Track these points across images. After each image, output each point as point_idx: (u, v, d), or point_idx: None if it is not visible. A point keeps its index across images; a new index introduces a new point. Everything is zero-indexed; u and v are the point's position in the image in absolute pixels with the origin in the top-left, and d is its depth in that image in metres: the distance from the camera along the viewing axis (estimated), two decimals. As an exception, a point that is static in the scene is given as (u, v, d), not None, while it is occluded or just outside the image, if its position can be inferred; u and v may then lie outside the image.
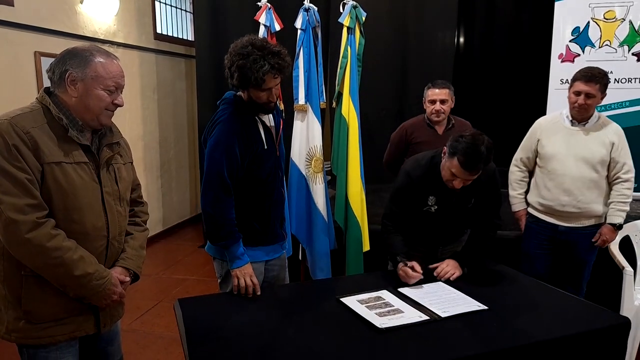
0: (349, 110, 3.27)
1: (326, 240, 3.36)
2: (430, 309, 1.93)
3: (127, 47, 5.10)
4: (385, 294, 2.08)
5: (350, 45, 3.24)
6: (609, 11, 3.95)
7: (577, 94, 2.70)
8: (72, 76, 1.58)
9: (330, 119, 4.27)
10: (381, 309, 1.92)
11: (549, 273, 2.92)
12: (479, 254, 2.43)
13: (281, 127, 2.28)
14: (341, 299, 2.02)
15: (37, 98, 1.63)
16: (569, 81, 2.80)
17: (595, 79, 2.66)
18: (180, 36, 6.28)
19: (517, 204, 3.03)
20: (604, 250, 2.95)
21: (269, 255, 2.29)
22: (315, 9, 3.28)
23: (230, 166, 2.04)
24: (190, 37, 6.38)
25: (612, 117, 2.90)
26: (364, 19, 3.26)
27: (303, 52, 3.24)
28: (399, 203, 2.42)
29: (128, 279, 1.78)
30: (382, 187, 2.61)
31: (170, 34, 6.05)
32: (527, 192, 3.05)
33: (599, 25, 3.98)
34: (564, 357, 1.79)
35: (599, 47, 4.00)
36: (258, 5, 3.29)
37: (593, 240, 2.81)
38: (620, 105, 3.96)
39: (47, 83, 1.66)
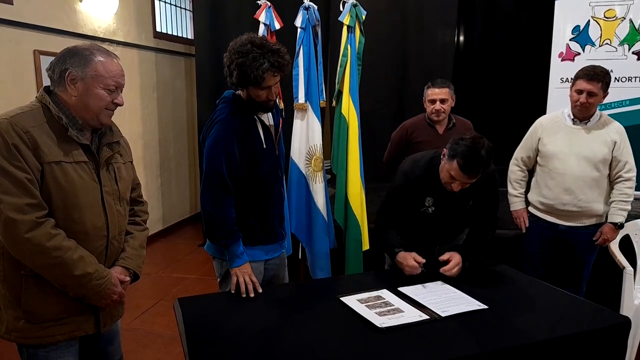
0: (349, 109, 3.27)
1: (326, 240, 3.36)
2: (430, 308, 1.93)
3: (126, 46, 5.09)
4: (385, 293, 2.08)
5: (350, 43, 3.23)
6: (609, 10, 3.94)
7: (579, 92, 2.69)
8: (72, 75, 1.57)
9: (330, 118, 4.27)
10: (381, 309, 1.92)
11: (549, 272, 2.92)
12: (477, 252, 2.42)
13: (280, 126, 2.28)
14: (341, 298, 2.02)
15: (36, 97, 1.62)
16: (569, 80, 2.80)
17: (597, 77, 2.65)
18: (179, 35, 6.27)
19: (517, 203, 3.02)
20: (603, 250, 2.95)
21: (268, 255, 2.29)
22: (315, 7, 3.27)
23: (229, 165, 2.03)
24: (190, 36, 6.37)
25: (612, 116, 2.89)
26: (364, 17, 3.25)
27: (303, 50, 3.23)
28: (394, 202, 2.42)
29: (128, 278, 1.78)
30: (382, 186, 2.61)
31: (169, 32, 6.04)
32: (526, 191, 3.04)
33: (599, 24, 3.98)
34: (565, 357, 1.78)
35: (599, 46, 4.00)
36: (258, 3, 3.28)
37: (594, 239, 2.81)
38: (621, 104, 3.96)
39: (46, 82, 1.66)
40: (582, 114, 2.76)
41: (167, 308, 3.86)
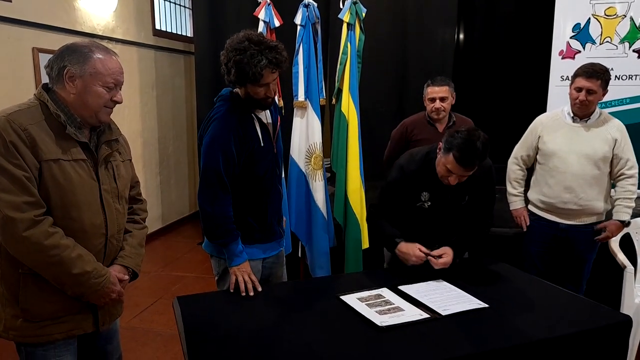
0: (349, 107, 3.26)
1: (325, 238, 3.35)
2: (431, 307, 1.92)
3: (125, 44, 5.07)
4: (385, 292, 2.07)
5: (350, 41, 3.22)
6: (609, 7, 3.93)
7: (579, 90, 2.69)
8: (71, 72, 1.56)
9: (329, 116, 4.26)
10: (381, 307, 1.91)
11: (549, 271, 2.91)
12: (468, 248, 2.43)
13: (278, 123, 2.27)
14: (341, 297, 2.01)
15: (34, 94, 1.61)
16: (570, 78, 2.78)
17: (596, 74, 2.65)
18: (179, 32, 6.26)
19: (517, 202, 3.01)
20: (603, 248, 2.95)
21: (266, 253, 2.28)
22: (315, 5, 3.26)
23: (226, 163, 2.02)
24: (190, 34, 6.36)
25: (613, 114, 2.89)
26: (364, 15, 3.24)
27: (303, 48, 3.22)
28: (389, 196, 2.42)
29: (127, 277, 1.77)
30: (381, 185, 2.61)
31: (169, 30, 6.02)
32: (525, 190, 3.03)
33: (599, 22, 3.97)
34: (566, 355, 1.78)
35: (600, 44, 3.99)
36: (257, 1, 3.27)
37: (597, 229, 2.79)
38: (621, 102, 3.95)
39: (45, 79, 1.65)
40: (582, 112, 2.75)
41: (166, 306, 3.85)
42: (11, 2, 3.72)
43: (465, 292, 2.08)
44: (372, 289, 2.09)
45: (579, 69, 2.74)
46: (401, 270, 2.28)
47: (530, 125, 2.97)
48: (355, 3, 3.19)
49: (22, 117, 1.52)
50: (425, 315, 1.85)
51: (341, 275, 3.17)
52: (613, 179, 2.80)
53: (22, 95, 1.62)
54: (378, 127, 4.52)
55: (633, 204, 2.77)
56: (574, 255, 2.87)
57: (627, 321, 1.87)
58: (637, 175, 2.75)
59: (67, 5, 4.30)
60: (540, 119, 2.95)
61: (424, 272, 2.25)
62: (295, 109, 3.32)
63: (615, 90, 3.72)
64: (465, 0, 5.14)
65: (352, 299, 1.99)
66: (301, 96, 3.26)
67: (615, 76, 3.82)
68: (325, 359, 1.60)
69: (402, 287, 2.12)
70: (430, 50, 4.89)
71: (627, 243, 3.04)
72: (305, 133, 3.30)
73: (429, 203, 2.36)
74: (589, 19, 3.98)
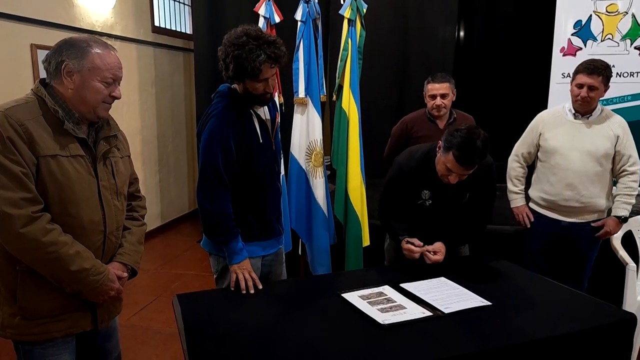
0: (350, 104, 3.24)
1: (326, 235, 3.33)
2: (433, 304, 1.90)
3: (124, 40, 5.05)
4: (387, 290, 2.05)
5: (350, 37, 3.20)
6: (611, 4, 3.91)
7: (580, 86, 2.67)
8: (69, 67, 1.54)
9: (330, 113, 4.24)
10: (383, 305, 1.89)
11: (550, 268, 2.89)
12: (462, 242, 2.47)
13: (277, 120, 2.25)
14: (342, 295, 1.99)
15: (32, 89, 1.59)
16: (571, 75, 2.77)
17: (598, 71, 2.63)
18: (178, 29, 6.23)
19: (517, 200, 2.99)
20: (604, 246, 2.93)
21: (265, 251, 2.26)
22: (316, 0, 3.23)
23: (225, 160, 2.00)
24: (189, 31, 6.33)
25: (614, 112, 2.86)
26: (364, 10, 3.22)
27: (303, 44, 3.20)
28: (390, 194, 2.43)
29: (126, 274, 1.75)
30: (382, 182, 2.60)
31: (168, 27, 5.99)
32: (526, 187, 3.02)
33: (601, 19, 3.95)
34: (570, 354, 1.76)
35: (601, 41, 3.96)
36: (257, -3, 3.25)
37: (595, 226, 2.78)
38: (622, 99, 3.93)
39: (43, 76, 1.63)
40: (584, 109, 2.73)
41: (165, 304, 3.84)
42: (9, -2, 3.70)
43: (467, 289, 2.06)
44: (373, 287, 2.08)
45: (580, 65, 2.72)
46: (403, 267, 2.27)
47: (531, 123, 2.95)
48: (356, -1, 3.17)
49: (20, 112, 1.50)
50: (428, 313, 1.83)
51: (342, 272, 3.15)
52: (615, 176, 2.79)
53: (20, 93, 1.60)
54: (379, 124, 4.51)
55: (633, 201, 2.75)
56: (575, 253, 2.86)
57: (632, 319, 1.85)
58: (639, 171, 2.73)
59: (65, 2, 4.27)
60: (541, 115, 2.93)
61: (426, 270, 2.23)
62: (295, 106, 3.29)
63: (616, 88, 3.71)
64: (466, -4, 5.13)
65: (353, 297, 1.97)
66: (301, 93, 3.24)
67: (617, 73, 3.79)
68: (327, 357, 1.58)
69: (403, 285, 2.11)
70: (430, 46, 4.88)
71: (629, 240, 3.03)
72: (306, 130, 3.28)
73: (430, 201, 2.36)
74: (591, 15, 3.96)
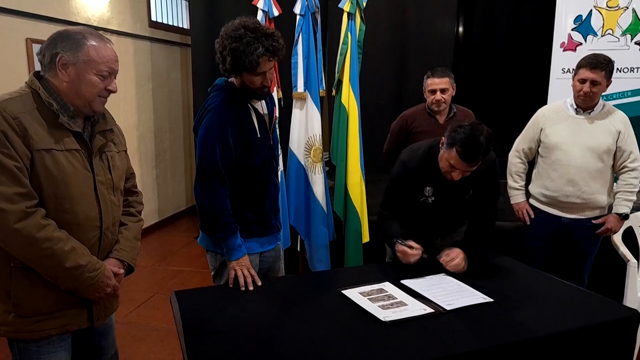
0: (349, 99, 3.21)
1: (325, 232, 3.31)
2: (435, 301, 1.88)
3: (121, 35, 5.01)
4: (387, 286, 2.03)
5: (350, 31, 3.17)
6: (611, -1, 3.89)
7: (582, 81, 2.64)
8: (64, 60, 1.51)
9: (329, 108, 4.21)
10: (384, 302, 1.87)
11: (550, 265, 2.87)
12: (479, 246, 2.37)
13: (275, 114, 2.21)
14: (343, 291, 1.97)
15: (26, 82, 1.56)
16: (571, 70, 2.75)
17: (600, 65, 2.61)
18: (175, 24, 6.18)
19: (518, 196, 2.96)
20: (605, 242, 2.91)
21: (263, 247, 2.23)
22: (315, -6, 3.20)
23: (223, 154, 1.97)
24: (186, 25, 6.29)
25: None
26: (364, 4, 3.18)
27: (302, 38, 3.17)
28: (395, 193, 2.39)
29: (122, 271, 1.72)
30: (382, 178, 2.57)
31: (165, 21, 5.95)
32: (526, 183, 2.99)
33: (601, 14, 3.92)
34: (572, 350, 1.74)
35: (602, 36, 3.94)
36: (256, -11, 3.21)
37: (596, 223, 2.76)
38: (622, 95, 3.92)
39: (39, 69, 1.59)
40: (586, 104, 2.71)
41: (163, 301, 3.82)
42: (4, -9, 3.66)
43: (469, 286, 2.04)
44: (374, 283, 2.05)
45: (582, 60, 2.69)
46: (403, 264, 2.24)
47: (532, 118, 2.92)
48: (355, -8, 3.13)
49: (13, 105, 1.46)
50: (429, 310, 1.81)
51: (342, 269, 3.13)
52: (615, 172, 2.77)
53: (14, 87, 1.57)
54: (378, 120, 4.48)
55: (634, 197, 2.73)
56: (575, 250, 2.84)
57: (635, 316, 1.83)
58: (639, 168, 2.71)
59: (61, -4, 4.23)
60: (542, 111, 2.91)
61: (427, 266, 2.21)
62: (294, 101, 3.26)
63: (617, 83, 3.66)
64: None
65: (354, 294, 1.95)
66: (300, 87, 3.21)
67: (617, 69, 3.75)
68: (328, 354, 1.56)
69: (404, 282, 2.09)
70: (430, 42, 4.86)
71: (630, 237, 3.01)
72: (305, 125, 3.25)
73: (433, 198, 2.33)
74: (591, 10, 3.94)
